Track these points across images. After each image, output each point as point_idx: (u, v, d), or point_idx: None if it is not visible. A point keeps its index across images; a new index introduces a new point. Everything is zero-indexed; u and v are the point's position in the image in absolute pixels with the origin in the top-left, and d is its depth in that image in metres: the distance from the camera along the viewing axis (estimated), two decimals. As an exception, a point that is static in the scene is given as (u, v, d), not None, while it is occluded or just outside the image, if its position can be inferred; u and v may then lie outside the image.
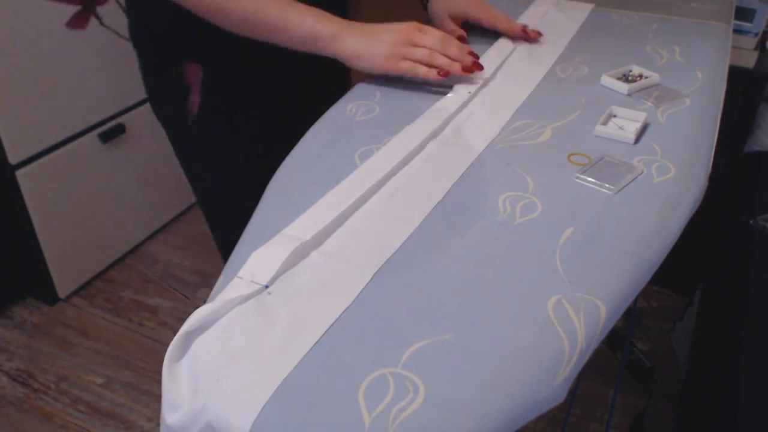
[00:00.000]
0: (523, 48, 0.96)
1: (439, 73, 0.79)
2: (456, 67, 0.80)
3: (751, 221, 1.36)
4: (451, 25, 0.95)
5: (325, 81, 1.00)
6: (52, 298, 1.80)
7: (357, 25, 0.80)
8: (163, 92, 0.92)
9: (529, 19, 1.05)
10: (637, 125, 0.74)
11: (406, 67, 0.79)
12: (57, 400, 1.54)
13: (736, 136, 1.63)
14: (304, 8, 0.78)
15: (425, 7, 1.00)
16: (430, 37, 0.81)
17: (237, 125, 0.92)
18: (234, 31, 0.80)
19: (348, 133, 0.75)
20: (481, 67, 0.82)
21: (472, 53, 0.83)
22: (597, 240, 0.58)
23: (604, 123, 0.75)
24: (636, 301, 1.43)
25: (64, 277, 1.79)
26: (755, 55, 1.55)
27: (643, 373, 1.61)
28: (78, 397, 1.55)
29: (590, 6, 1.12)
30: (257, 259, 0.55)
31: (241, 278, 0.53)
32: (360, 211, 0.62)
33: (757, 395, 1.00)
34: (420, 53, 0.80)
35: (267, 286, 0.53)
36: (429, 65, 0.80)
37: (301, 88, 0.98)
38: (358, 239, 0.58)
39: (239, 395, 0.45)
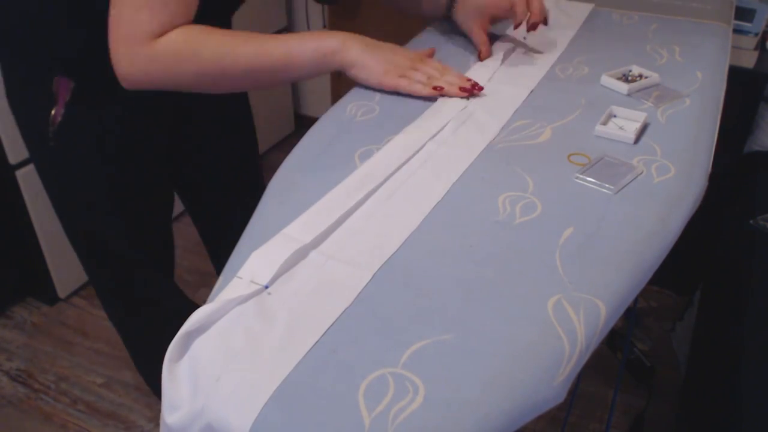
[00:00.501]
0: (522, 48, 0.96)
1: (434, 88, 0.80)
2: (454, 88, 0.80)
3: (751, 221, 1.36)
4: (481, 36, 0.92)
5: (199, 126, 1.00)
6: (52, 298, 1.80)
7: (357, 36, 0.80)
8: (27, 102, 0.88)
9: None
10: (637, 125, 0.74)
11: (403, 84, 0.80)
12: (57, 400, 1.54)
13: (736, 136, 1.63)
14: (299, 35, 0.78)
15: (449, 14, 0.97)
16: (432, 66, 0.83)
17: (96, 146, 0.88)
18: (241, 88, 0.81)
19: (348, 133, 0.75)
20: (480, 88, 0.82)
21: (471, 82, 0.82)
22: (597, 240, 0.58)
23: (604, 123, 0.75)
24: (636, 301, 1.43)
25: (64, 277, 1.79)
26: (755, 55, 1.55)
27: (643, 373, 1.61)
28: (78, 397, 1.55)
29: (590, 6, 1.12)
30: (257, 260, 0.55)
31: (240, 278, 0.53)
32: (360, 211, 0.62)
33: (757, 395, 1.00)
34: (419, 75, 0.81)
35: (267, 287, 0.53)
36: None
37: (172, 129, 0.96)
38: (357, 239, 0.58)
39: (239, 395, 0.45)
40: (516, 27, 0.88)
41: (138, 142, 0.91)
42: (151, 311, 1.05)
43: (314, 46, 0.77)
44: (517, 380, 0.46)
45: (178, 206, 2.20)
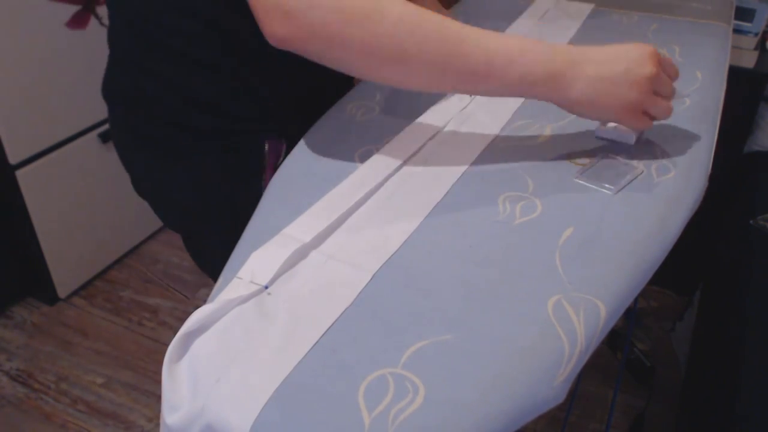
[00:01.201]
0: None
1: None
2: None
3: (751, 221, 1.36)
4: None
5: None
6: (52, 298, 1.80)
7: (585, 62, 0.61)
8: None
9: (529, 18, 1.05)
10: None
11: (644, 124, 0.65)
12: (57, 400, 1.54)
13: (736, 136, 1.63)
14: (506, 41, 0.60)
15: None
16: (669, 83, 0.66)
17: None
18: (407, 85, 0.62)
19: (348, 133, 0.75)
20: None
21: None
22: (597, 240, 0.58)
23: (604, 124, 0.75)
24: (636, 301, 1.43)
25: (64, 277, 1.79)
26: (755, 55, 1.55)
27: (643, 373, 1.61)
28: (78, 397, 1.55)
29: (590, 6, 1.12)
30: (257, 260, 0.55)
31: (240, 279, 0.53)
32: (360, 211, 0.62)
33: (757, 395, 1.00)
34: (663, 109, 0.65)
35: (266, 287, 0.53)
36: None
37: None
38: (358, 239, 0.58)
39: (239, 395, 0.45)
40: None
41: None
42: None
43: (521, 68, 0.60)
44: (517, 380, 0.46)
45: (178, 206, 2.19)
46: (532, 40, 0.61)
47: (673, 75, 0.66)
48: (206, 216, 0.81)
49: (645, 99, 0.63)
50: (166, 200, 0.83)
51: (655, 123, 0.76)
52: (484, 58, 0.59)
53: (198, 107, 0.74)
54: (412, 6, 0.58)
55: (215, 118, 0.75)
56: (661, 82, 0.64)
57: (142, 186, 0.84)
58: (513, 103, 0.81)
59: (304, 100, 0.79)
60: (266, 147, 0.76)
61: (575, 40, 0.99)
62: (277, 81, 0.68)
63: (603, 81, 0.61)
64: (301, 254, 0.56)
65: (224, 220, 0.79)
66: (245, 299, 0.52)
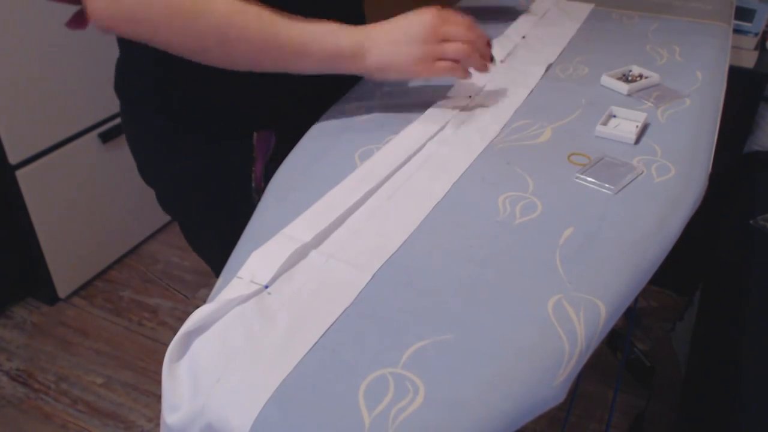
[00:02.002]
0: (523, 47, 0.96)
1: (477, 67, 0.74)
2: (488, 67, 0.75)
3: (751, 221, 1.36)
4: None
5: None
6: (52, 298, 1.80)
7: (375, 32, 0.70)
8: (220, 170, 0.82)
9: (529, 18, 1.05)
10: (638, 125, 0.74)
11: (442, 70, 0.71)
12: (57, 400, 1.54)
13: (736, 136, 1.63)
14: (318, 25, 0.68)
15: None
16: (459, 27, 0.71)
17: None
18: (242, 67, 0.69)
19: (348, 133, 0.75)
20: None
21: (488, 42, 0.76)
22: (597, 240, 0.58)
23: (604, 123, 0.75)
24: (636, 301, 1.43)
25: (64, 277, 1.79)
26: (755, 55, 1.55)
27: (643, 373, 1.61)
28: (78, 397, 1.55)
29: (590, 6, 1.12)
30: (257, 260, 0.55)
31: (240, 278, 0.53)
32: (360, 211, 0.62)
33: (757, 395, 1.00)
34: (454, 50, 0.71)
35: (267, 287, 0.53)
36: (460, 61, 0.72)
37: None
38: (358, 239, 0.58)
39: (239, 395, 0.45)
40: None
41: None
42: None
43: (333, 43, 0.68)
44: (517, 380, 0.46)
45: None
46: (335, 24, 0.69)
47: (460, 23, 0.72)
48: (199, 204, 0.85)
49: (432, 49, 0.70)
50: (165, 187, 0.88)
51: (656, 123, 0.76)
52: (298, 40, 0.67)
53: (198, 102, 0.78)
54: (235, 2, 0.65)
55: (213, 112, 0.78)
56: (445, 30, 0.70)
57: (145, 172, 0.89)
58: (513, 104, 0.81)
59: (301, 96, 0.81)
60: (254, 138, 0.80)
61: (575, 40, 0.99)
62: (273, 77, 0.71)
63: (391, 44, 0.70)
64: (301, 254, 0.56)
65: (216, 208, 0.83)
66: (245, 299, 0.52)
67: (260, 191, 0.82)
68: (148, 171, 0.88)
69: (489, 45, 0.75)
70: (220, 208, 0.82)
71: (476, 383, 0.46)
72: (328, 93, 0.83)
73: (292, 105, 0.81)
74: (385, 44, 0.70)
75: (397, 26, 0.70)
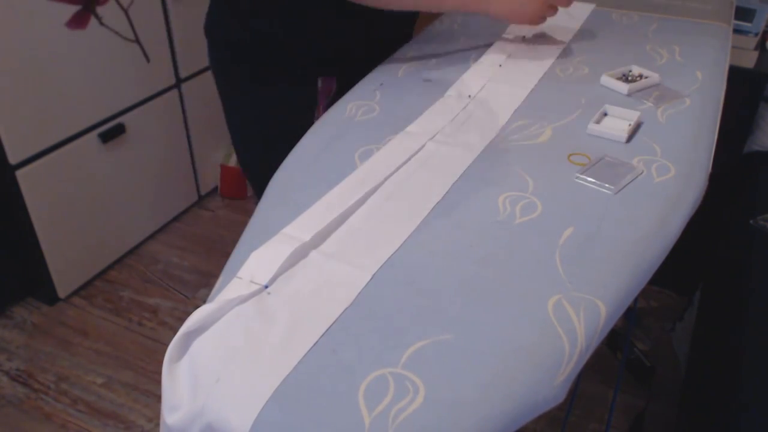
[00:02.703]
0: (522, 48, 0.96)
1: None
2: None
3: (751, 221, 1.36)
4: None
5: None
6: (52, 298, 1.80)
7: None
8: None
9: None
10: (630, 124, 0.74)
11: (550, 14, 0.92)
12: (57, 400, 1.54)
13: (736, 136, 1.63)
14: None
15: None
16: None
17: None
18: (396, 7, 0.89)
19: (348, 133, 0.75)
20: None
21: None
22: (597, 240, 0.58)
23: (597, 121, 0.75)
24: (636, 301, 1.43)
25: (64, 277, 1.79)
26: (755, 55, 1.55)
27: (643, 373, 1.61)
28: (78, 397, 1.55)
29: (591, 6, 1.12)
30: (256, 260, 0.55)
31: (240, 278, 0.53)
32: (359, 210, 0.62)
33: (757, 395, 1.00)
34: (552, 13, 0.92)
35: (266, 286, 0.53)
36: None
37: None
38: (357, 239, 0.58)
39: (239, 395, 0.45)
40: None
41: None
42: None
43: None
44: (517, 380, 0.46)
45: (180, 204, 2.20)
46: None
47: None
48: (267, 142, 1.02)
49: (545, 9, 0.90)
50: (238, 126, 1.06)
51: (656, 123, 0.76)
52: None
53: (272, 47, 0.94)
54: None
55: (285, 58, 0.95)
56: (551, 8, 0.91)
57: (225, 111, 1.06)
58: (513, 104, 0.81)
59: (362, 46, 0.97)
60: (319, 83, 0.98)
61: (575, 40, 0.99)
62: (342, 26, 0.91)
63: (509, 2, 0.89)
64: (300, 254, 0.56)
65: (282, 146, 0.93)
66: (245, 299, 0.52)
67: None
68: (227, 109, 1.06)
69: None
70: (287, 146, 0.94)
71: (476, 383, 0.46)
72: (386, 45, 0.98)
73: (354, 53, 0.96)
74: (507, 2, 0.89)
75: None
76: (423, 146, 0.72)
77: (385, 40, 0.98)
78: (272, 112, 0.99)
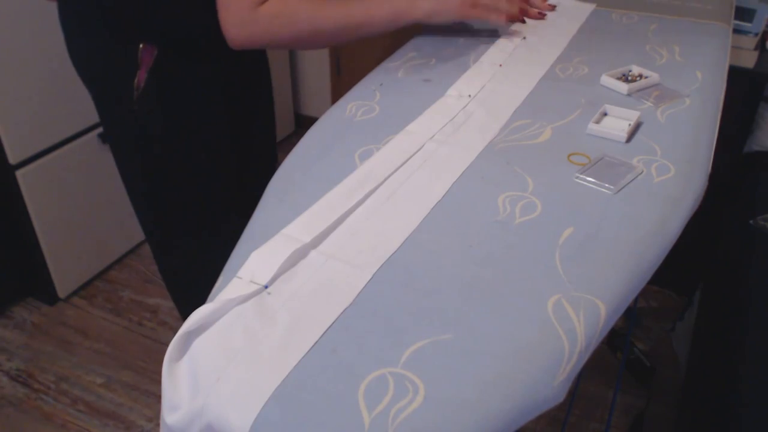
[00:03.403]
0: (523, 47, 0.96)
1: (508, 18, 0.93)
2: (519, 16, 0.97)
3: (751, 221, 1.36)
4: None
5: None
6: (52, 298, 1.80)
7: None
8: (110, 70, 0.94)
9: (530, 19, 1.05)
10: (630, 124, 0.74)
11: (478, 13, 0.90)
12: (57, 400, 1.54)
13: (736, 136, 1.63)
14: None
15: None
16: None
17: (178, 112, 0.95)
18: (326, 44, 0.91)
19: (348, 133, 0.75)
20: (543, 16, 1.04)
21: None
22: (597, 240, 0.58)
23: (597, 121, 0.76)
24: (636, 301, 1.43)
25: (64, 277, 1.79)
26: (755, 55, 1.55)
27: (643, 373, 1.61)
28: (78, 397, 1.55)
29: (591, 6, 1.12)
30: (257, 259, 0.55)
31: (240, 278, 0.53)
32: (360, 210, 0.62)
33: (758, 395, 1.00)
34: (490, 3, 0.91)
35: (266, 286, 0.53)
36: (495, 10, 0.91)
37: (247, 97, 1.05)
38: (357, 239, 0.58)
39: (239, 395, 0.45)
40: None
41: (215, 107, 0.98)
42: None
43: (388, 7, 0.87)
44: (517, 380, 0.46)
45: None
46: None
47: None
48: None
49: None
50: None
51: (655, 123, 0.76)
52: (365, 12, 0.86)
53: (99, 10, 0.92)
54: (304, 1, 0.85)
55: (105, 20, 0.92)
56: None
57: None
58: (513, 103, 0.81)
59: (177, 14, 0.92)
60: (139, 49, 0.91)
61: (575, 40, 0.99)
62: None
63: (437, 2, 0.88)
64: (301, 254, 0.56)
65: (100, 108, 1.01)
66: (245, 299, 0.52)
67: (140, 100, 0.92)
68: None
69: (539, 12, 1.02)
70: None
71: (476, 383, 0.46)
72: (201, 10, 0.91)
73: (170, 21, 0.91)
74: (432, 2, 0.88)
75: None
76: (422, 146, 0.72)
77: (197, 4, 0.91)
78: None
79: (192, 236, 1.08)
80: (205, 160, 1.01)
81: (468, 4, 0.89)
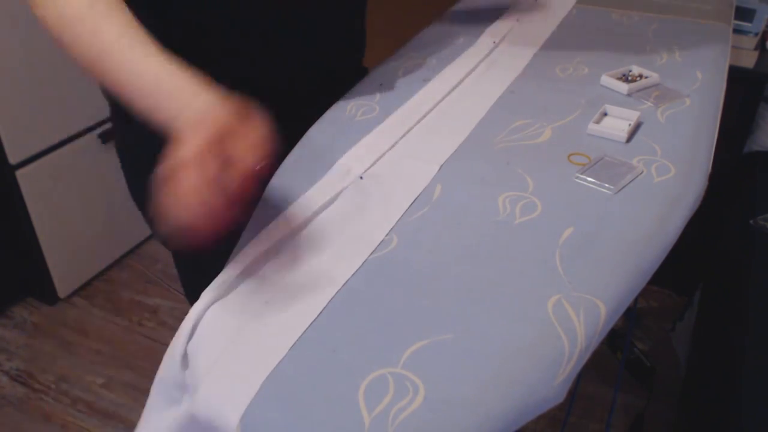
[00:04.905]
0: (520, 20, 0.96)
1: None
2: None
3: (751, 221, 1.36)
4: None
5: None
6: (52, 298, 1.80)
7: (210, 114, 0.55)
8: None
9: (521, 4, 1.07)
10: (630, 124, 0.74)
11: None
12: (57, 400, 1.54)
13: (736, 136, 1.63)
14: (163, 83, 0.58)
15: None
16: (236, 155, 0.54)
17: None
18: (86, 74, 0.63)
19: (348, 132, 0.75)
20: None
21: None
22: (597, 240, 0.58)
23: (597, 122, 0.76)
24: (636, 301, 1.43)
25: (64, 277, 1.79)
26: (755, 55, 1.55)
27: (643, 373, 1.61)
28: (78, 397, 1.55)
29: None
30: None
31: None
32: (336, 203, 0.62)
33: (758, 395, 1.00)
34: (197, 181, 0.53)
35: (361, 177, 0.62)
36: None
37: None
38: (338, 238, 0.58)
39: (229, 392, 0.45)
40: None
41: None
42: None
43: (152, 103, 0.58)
44: (517, 380, 0.46)
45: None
46: (170, 75, 0.58)
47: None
48: None
49: (207, 166, 0.53)
50: None
51: (655, 123, 0.76)
52: (125, 80, 0.59)
53: None
54: (91, 5, 0.60)
55: None
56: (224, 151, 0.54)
57: None
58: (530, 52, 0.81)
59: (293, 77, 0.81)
60: None
61: (576, 40, 0.99)
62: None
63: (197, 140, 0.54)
64: (285, 247, 0.56)
65: None
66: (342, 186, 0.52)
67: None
68: None
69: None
70: None
71: (476, 383, 0.46)
72: (330, 79, 0.83)
73: (280, 85, 0.77)
74: (198, 132, 0.54)
75: (219, 124, 0.54)
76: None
77: (329, 70, 0.79)
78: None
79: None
80: None
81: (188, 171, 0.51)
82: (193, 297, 0.93)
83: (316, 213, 0.61)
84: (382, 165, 0.68)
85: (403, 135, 0.74)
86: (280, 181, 0.68)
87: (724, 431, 1.01)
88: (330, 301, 0.52)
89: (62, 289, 1.80)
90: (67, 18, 0.60)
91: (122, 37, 0.59)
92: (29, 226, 1.65)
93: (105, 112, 1.77)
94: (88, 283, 1.88)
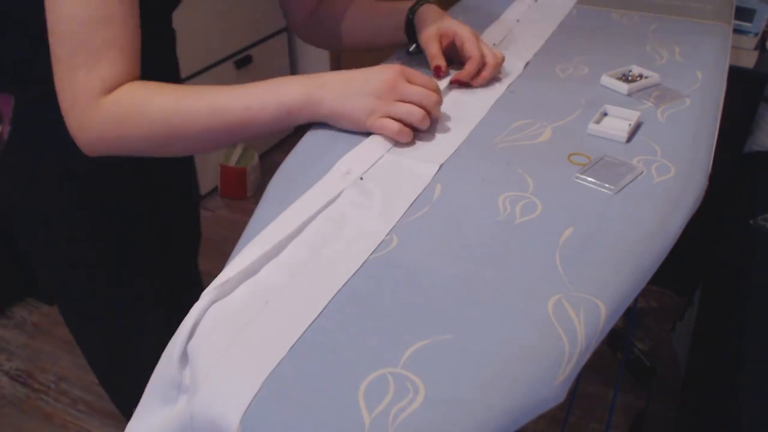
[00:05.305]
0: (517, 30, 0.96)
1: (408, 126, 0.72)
2: (425, 123, 0.72)
3: (751, 221, 1.36)
4: (437, 49, 0.86)
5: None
6: (52, 298, 1.80)
7: (331, 81, 0.70)
8: None
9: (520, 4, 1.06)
10: (630, 124, 0.74)
11: (386, 130, 0.70)
12: (57, 400, 1.54)
13: (736, 136, 1.63)
14: (260, 88, 0.69)
15: (410, 40, 0.92)
16: (417, 90, 0.71)
17: (47, 162, 0.81)
18: (197, 150, 0.72)
19: (348, 132, 0.75)
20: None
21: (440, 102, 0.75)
22: (597, 240, 0.58)
23: (597, 122, 0.76)
24: (636, 301, 1.43)
25: (64, 277, 1.79)
26: (755, 55, 1.55)
27: (643, 373, 1.61)
28: (78, 397, 1.55)
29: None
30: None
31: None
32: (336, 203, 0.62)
33: (757, 395, 1.00)
34: (404, 111, 0.70)
35: (362, 178, 0.63)
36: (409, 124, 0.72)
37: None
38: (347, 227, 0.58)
39: (229, 391, 0.45)
40: (464, 77, 0.82)
41: (100, 168, 0.81)
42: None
43: (276, 100, 0.68)
44: (517, 380, 0.46)
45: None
46: (283, 79, 0.70)
47: (418, 87, 0.72)
48: None
49: (381, 105, 0.70)
50: None
51: (655, 123, 0.76)
52: (242, 105, 0.67)
53: None
54: (163, 91, 0.67)
55: None
56: (402, 90, 0.71)
57: None
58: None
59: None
60: None
61: (576, 40, 0.99)
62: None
63: (345, 95, 0.70)
64: (287, 246, 0.56)
65: None
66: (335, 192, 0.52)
67: (5, 155, 0.80)
68: None
69: (440, 104, 0.74)
70: None
71: (476, 383, 0.46)
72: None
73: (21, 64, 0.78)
74: (339, 94, 0.70)
75: (355, 77, 0.71)
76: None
77: None
78: None
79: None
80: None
81: (377, 114, 0.70)
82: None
83: (317, 213, 0.61)
84: (383, 165, 0.68)
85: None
86: (280, 181, 0.68)
87: (724, 431, 1.01)
88: (330, 301, 0.52)
89: (62, 289, 1.80)
90: (165, 113, 0.66)
91: (220, 91, 0.68)
92: (29, 226, 1.65)
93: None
94: (88, 283, 1.88)
